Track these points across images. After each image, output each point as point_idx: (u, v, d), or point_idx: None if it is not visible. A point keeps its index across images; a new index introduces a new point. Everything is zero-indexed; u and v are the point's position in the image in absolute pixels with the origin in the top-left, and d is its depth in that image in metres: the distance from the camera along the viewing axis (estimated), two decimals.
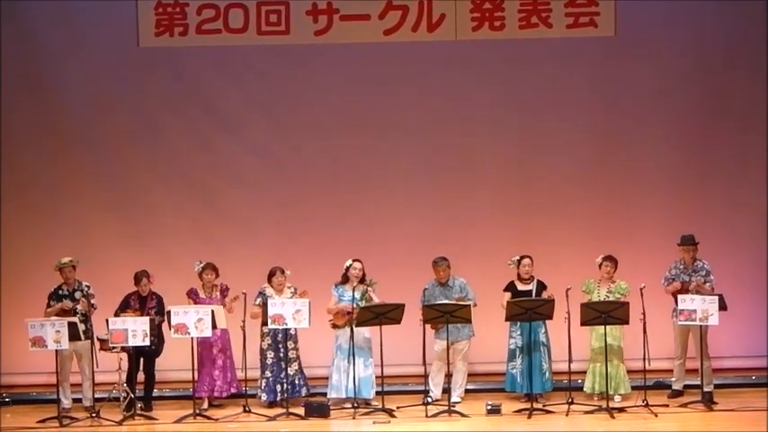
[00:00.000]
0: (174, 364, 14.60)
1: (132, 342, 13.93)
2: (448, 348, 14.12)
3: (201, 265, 14.53)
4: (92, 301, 14.36)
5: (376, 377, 14.29)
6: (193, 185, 15.88)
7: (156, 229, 15.83)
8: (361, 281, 14.36)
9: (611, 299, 14.13)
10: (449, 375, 14.39)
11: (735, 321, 14.69)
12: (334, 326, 14.37)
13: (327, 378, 14.42)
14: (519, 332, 14.39)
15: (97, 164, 15.82)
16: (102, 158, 15.81)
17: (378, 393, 14.22)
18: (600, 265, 14.35)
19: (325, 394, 14.45)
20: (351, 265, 14.38)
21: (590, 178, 15.73)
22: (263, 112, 15.85)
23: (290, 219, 15.83)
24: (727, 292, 14.06)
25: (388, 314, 13.92)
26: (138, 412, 14.11)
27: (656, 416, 13.59)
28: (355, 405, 14.03)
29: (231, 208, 15.88)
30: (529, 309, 13.92)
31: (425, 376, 14.38)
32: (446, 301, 14.15)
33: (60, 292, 14.44)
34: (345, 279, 14.44)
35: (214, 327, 14.02)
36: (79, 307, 14.31)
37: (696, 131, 15.66)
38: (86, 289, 14.42)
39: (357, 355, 14.19)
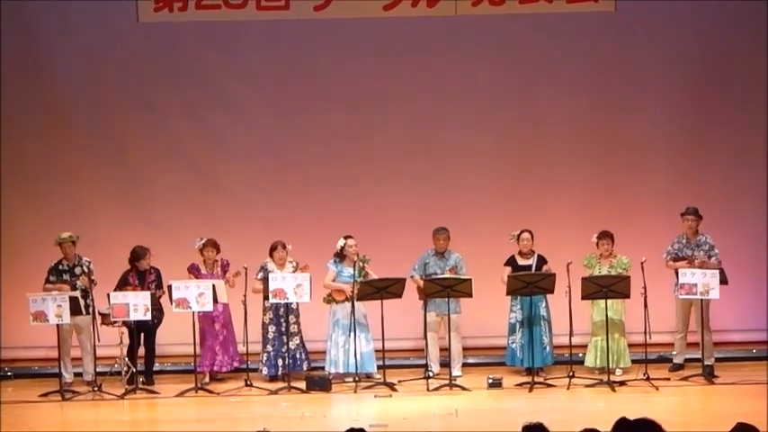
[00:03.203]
0: (176, 338, 14.59)
1: (134, 316, 13.93)
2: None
3: (202, 241, 14.50)
4: (92, 277, 14.33)
5: (377, 351, 14.29)
6: (191, 161, 15.81)
7: (155, 203, 15.78)
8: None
9: (613, 274, 14.13)
10: (445, 349, 14.39)
11: (735, 295, 14.68)
12: (330, 301, 14.36)
13: (325, 352, 14.43)
14: (519, 306, 14.40)
15: (95, 139, 15.75)
16: (101, 134, 15.74)
17: (379, 368, 14.23)
18: (597, 244, 14.33)
19: (324, 368, 14.46)
20: (346, 243, 14.34)
21: (590, 153, 15.68)
22: (262, 87, 15.79)
23: (288, 193, 15.76)
24: (728, 266, 14.09)
25: (388, 288, 13.94)
26: (140, 386, 14.11)
27: (658, 389, 13.63)
28: (356, 379, 14.05)
29: (230, 183, 15.82)
30: (530, 283, 13.93)
31: (426, 350, 14.38)
32: (447, 275, 14.17)
33: (60, 267, 14.41)
34: (342, 256, 14.42)
35: (215, 301, 14.03)
36: (80, 283, 14.30)
37: (696, 106, 15.61)
38: (87, 264, 14.40)
39: (358, 330, 14.20)
